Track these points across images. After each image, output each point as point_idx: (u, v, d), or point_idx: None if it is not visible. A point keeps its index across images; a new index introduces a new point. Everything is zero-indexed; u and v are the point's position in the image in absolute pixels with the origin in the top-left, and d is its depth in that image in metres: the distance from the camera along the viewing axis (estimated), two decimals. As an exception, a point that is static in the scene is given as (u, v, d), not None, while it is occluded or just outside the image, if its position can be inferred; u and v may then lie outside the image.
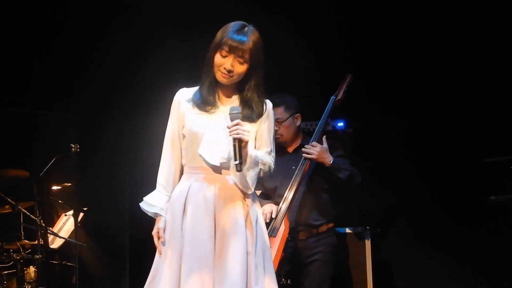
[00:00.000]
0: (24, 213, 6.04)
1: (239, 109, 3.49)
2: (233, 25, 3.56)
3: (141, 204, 3.71)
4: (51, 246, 6.33)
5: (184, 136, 3.66)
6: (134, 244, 6.90)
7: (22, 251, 5.97)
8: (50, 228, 6.27)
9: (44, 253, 5.95)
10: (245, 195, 3.59)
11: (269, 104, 3.70)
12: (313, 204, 5.05)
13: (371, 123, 6.09)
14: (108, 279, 7.04)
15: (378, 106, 6.05)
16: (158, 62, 6.65)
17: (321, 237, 5.03)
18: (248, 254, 3.49)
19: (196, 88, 3.68)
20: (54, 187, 6.75)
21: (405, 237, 6.07)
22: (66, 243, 6.35)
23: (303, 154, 4.92)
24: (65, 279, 6.47)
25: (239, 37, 3.50)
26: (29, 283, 6.02)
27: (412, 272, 6.02)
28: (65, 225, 6.54)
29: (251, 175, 3.52)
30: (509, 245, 5.60)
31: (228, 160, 3.52)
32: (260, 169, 3.57)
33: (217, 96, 3.63)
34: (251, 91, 3.59)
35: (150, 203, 3.68)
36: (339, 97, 5.07)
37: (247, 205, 3.58)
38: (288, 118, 5.04)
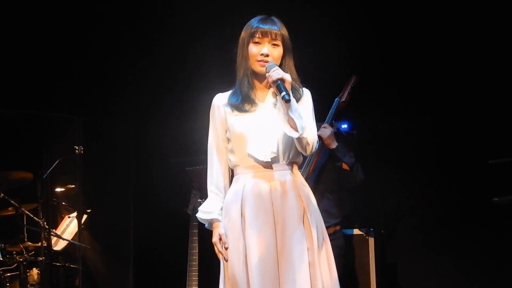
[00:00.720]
0: (27, 215, 6.05)
1: (273, 62, 3.49)
2: (255, 18, 3.58)
3: (198, 215, 3.64)
4: (55, 248, 6.34)
5: (229, 140, 3.62)
6: (138, 246, 6.90)
7: (26, 253, 5.99)
8: (54, 230, 6.28)
9: (48, 255, 5.95)
10: (300, 188, 3.55)
11: (305, 90, 3.67)
12: (319, 207, 5.04)
13: (375, 125, 6.09)
14: (112, 281, 7.04)
15: (382, 108, 6.04)
16: (163, 65, 6.67)
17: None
18: (308, 250, 3.46)
19: (230, 92, 3.65)
20: (58, 189, 6.76)
21: (409, 239, 6.06)
22: (70, 245, 6.36)
23: None
24: (69, 281, 6.47)
25: (267, 24, 3.53)
26: (32, 285, 6.03)
27: (416, 274, 6.00)
28: (69, 227, 6.55)
29: (296, 117, 3.41)
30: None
31: (278, 153, 3.51)
32: (303, 127, 3.42)
33: (254, 92, 3.59)
34: None
35: (206, 211, 3.60)
36: (343, 99, 5.08)
37: (302, 200, 3.54)
38: None
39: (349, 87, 5.07)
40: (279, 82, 3.39)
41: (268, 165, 3.53)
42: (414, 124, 5.97)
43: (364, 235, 5.52)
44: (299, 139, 3.44)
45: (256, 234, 3.44)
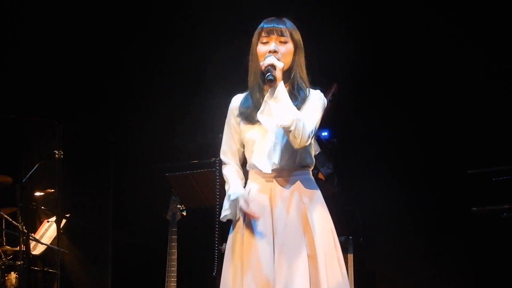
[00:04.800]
0: (6, 219, 6.03)
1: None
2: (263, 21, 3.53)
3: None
4: (33, 253, 6.31)
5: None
6: (117, 251, 6.88)
7: (4, 257, 5.97)
8: (32, 234, 6.25)
9: (26, 259, 5.92)
10: (302, 194, 3.46)
11: (315, 91, 3.55)
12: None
13: (356, 133, 6.10)
14: (90, 286, 7.02)
15: (363, 116, 6.06)
16: (143, 70, 6.66)
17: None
18: (309, 258, 3.37)
19: (244, 95, 3.60)
20: (37, 193, 6.72)
21: (388, 247, 6.07)
22: (48, 250, 6.34)
23: None
24: (47, 285, 6.45)
25: (273, 22, 3.47)
26: (10, 289, 6.01)
27: (394, 282, 6.02)
28: (48, 232, 6.52)
29: (282, 107, 3.30)
30: (492, 257, 5.62)
31: (281, 163, 3.43)
32: (292, 119, 3.30)
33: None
34: (295, 78, 3.49)
35: (229, 197, 3.53)
36: (324, 107, 5.07)
37: (305, 207, 3.45)
38: None
39: (330, 95, 5.07)
40: (269, 67, 3.33)
41: (270, 175, 3.48)
42: (395, 133, 5.99)
43: (343, 243, 5.51)
44: (287, 132, 3.34)
45: (254, 242, 3.39)
